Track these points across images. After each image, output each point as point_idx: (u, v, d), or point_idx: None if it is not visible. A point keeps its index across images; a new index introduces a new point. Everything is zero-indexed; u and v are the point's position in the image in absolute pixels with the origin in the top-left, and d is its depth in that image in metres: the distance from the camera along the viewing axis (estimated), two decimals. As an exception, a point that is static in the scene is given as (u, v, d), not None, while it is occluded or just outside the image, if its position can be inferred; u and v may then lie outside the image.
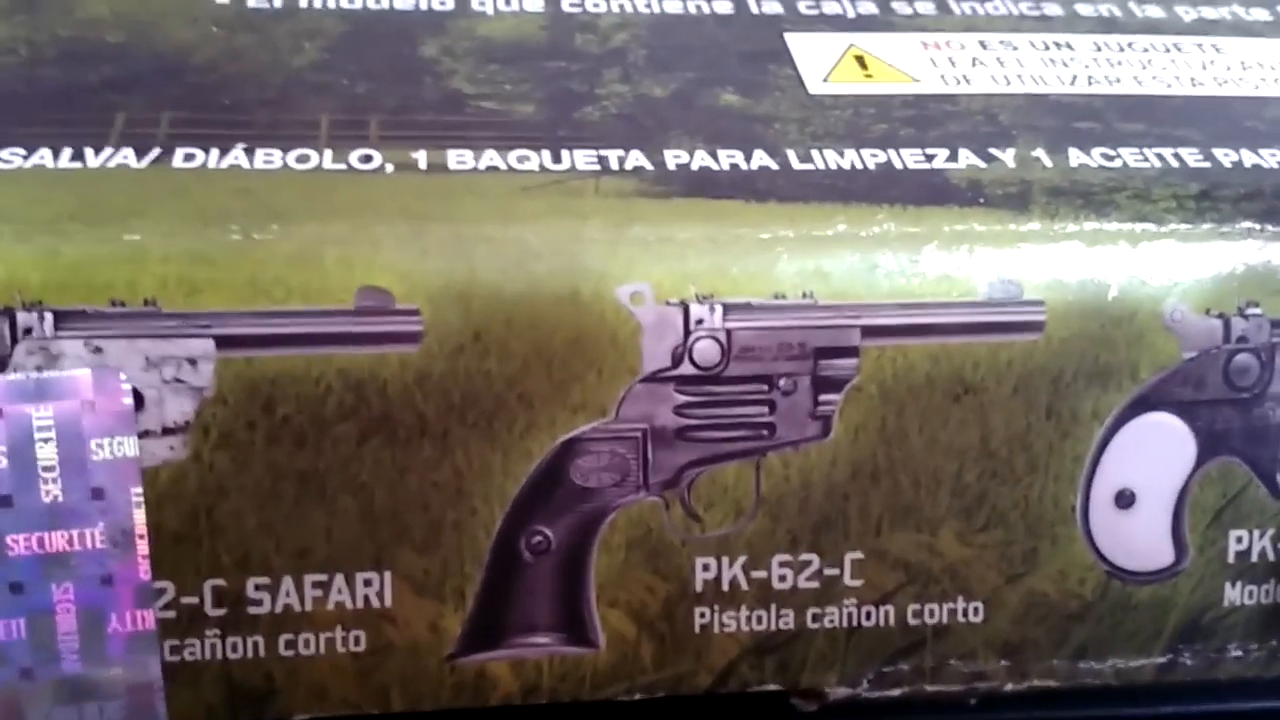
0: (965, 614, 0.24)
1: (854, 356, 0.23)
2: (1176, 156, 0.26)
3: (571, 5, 0.30)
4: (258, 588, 0.23)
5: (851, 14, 0.30)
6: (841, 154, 0.25)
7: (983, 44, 0.29)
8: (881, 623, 0.24)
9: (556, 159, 0.24)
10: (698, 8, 0.30)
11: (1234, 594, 0.25)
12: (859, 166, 0.25)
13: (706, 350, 0.23)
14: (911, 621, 0.24)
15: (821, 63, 0.28)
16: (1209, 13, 0.31)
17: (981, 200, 0.24)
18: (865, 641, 0.24)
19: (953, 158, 0.25)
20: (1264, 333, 0.24)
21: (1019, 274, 0.24)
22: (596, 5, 0.30)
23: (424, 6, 0.29)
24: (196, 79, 0.26)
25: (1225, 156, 0.26)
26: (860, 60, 0.28)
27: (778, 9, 0.30)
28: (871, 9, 0.30)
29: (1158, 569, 0.25)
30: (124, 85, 0.26)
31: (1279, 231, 0.24)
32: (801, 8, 0.30)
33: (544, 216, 0.23)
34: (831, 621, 0.24)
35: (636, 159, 0.24)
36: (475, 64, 0.27)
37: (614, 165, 0.24)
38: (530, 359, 0.23)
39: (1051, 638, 0.25)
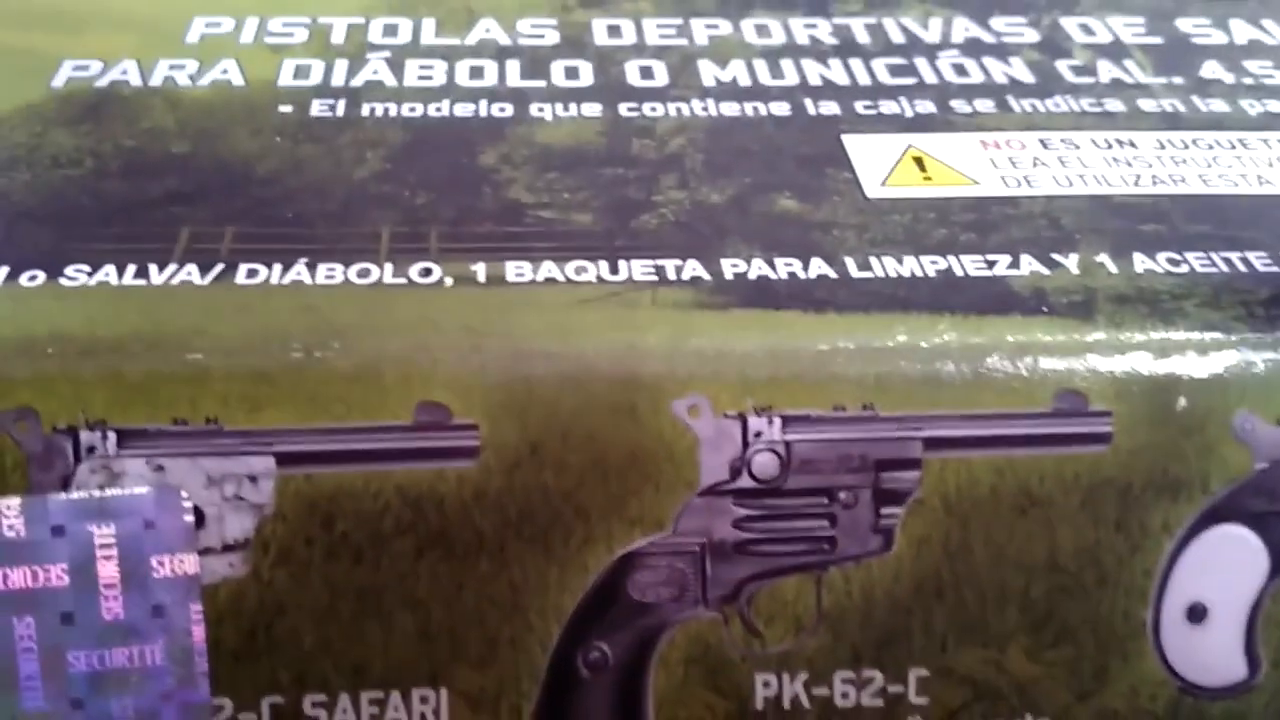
0: (1034, 732, 0.24)
1: (916, 469, 0.23)
2: (1244, 260, 0.25)
3: (629, 110, 0.30)
4: (315, 705, 0.22)
5: (910, 113, 0.30)
6: (901, 261, 0.25)
7: (1043, 143, 0.29)
8: (948, 741, 0.24)
9: (614, 270, 0.24)
10: (755, 110, 0.30)
11: (1313, 710, 0.24)
12: (919, 274, 0.24)
13: (765, 463, 0.23)
14: (980, 740, 0.24)
15: (880, 165, 0.28)
16: (1276, 106, 0.31)
17: (1045, 309, 0.24)
18: (931, 760, 0.24)
19: (1014, 264, 0.25)
20: (1339, 442, 0.24)
21: (1085, 384, 0.23)
22: (654, 109, 0.30)
23: (484, 114, 0.30)
24: (260, 191, 0.27)
25: (1295, 259, 0.25)
26: (919, 162, 0.28)
27: (835, 110, 0.30)
28: (930, 108, 0.30)
29: (1230, 684, 0.24)
30: (188, 198, 0.26)
31: (1353, 338, 0.24)
32: (859, 108, 0.30)
33: (600, 329, 0.23)
34: (896, 739, 0.24)
35: (693, 269, 0.24)
36: (534, 172, 0.27)
37: (671, 275, 0.24)
38: (587, 473, 0.22)
39: (1124, 757, 0.24)
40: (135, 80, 0.31)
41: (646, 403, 0.22)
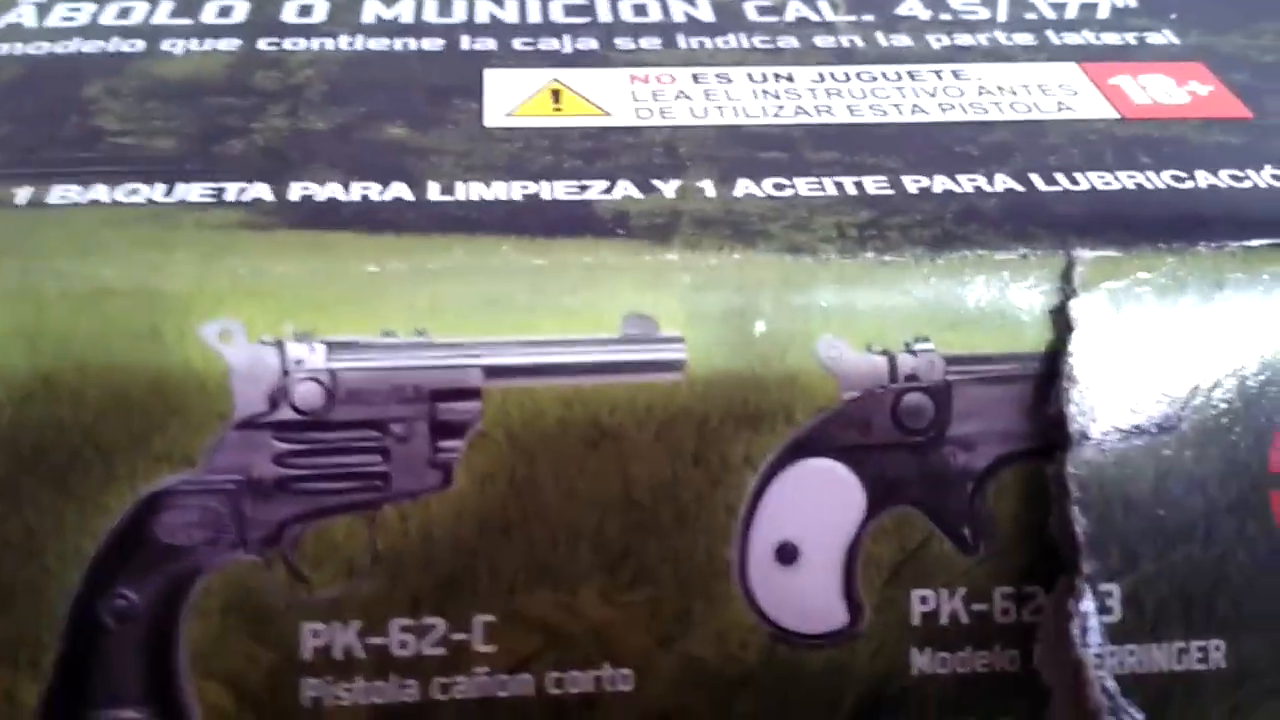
0: (613, 682, 0.22)
1: (475, 399, 0.21)
2: (858, 185, 0.24)
3: (268, 45, 0.28)
4: None
5: (568, 49, 0.29)
6: (488, 185, 0.23)
7: (695, 78, 0.27)
8: (519, 692, 0.22)
9: (169, 192, 0.23)
10: (405, 45, 0.29)
11: (922, 661, 0.23)
12: (503, 198, 0.23)
13: (308, 393, 0.21)
14: (553, 691, 0.22)
15: (513, 97, 0.27)
16: (964, 39, 0.30)
17: (621, 231, 0.22)
18: (501, 714, 0.22)
19: (609, 190, 0.23)
20: (937, 370, 0.22)
21: (656, 309, 0.22)
22: (295, 44, 0.28)
23: (112, 50, 0.28)
24: None
25: (914, 183, 0.24)
26: (556, 94, 0.27)
27: (490, 45, 0.29)
28: (590, 44, 0.29)
29: (829, 631, 0.22)
30: None
31: (956, 259, 0.22)
32: (516, 44, 0.29)
33: (126, 250, 0.21)
34: (462, 692, 0.22)
35: (258, 191, 0.23)
36: (133, 103, 0.26)
37: (229, 197, 0.23)
38: (107, 405, 0.21)
39: (713, 708, 0.22)
40: None
41: (172, 328, 0.21)
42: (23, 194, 0.22)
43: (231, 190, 0.23)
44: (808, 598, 0.22)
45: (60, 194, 0.22)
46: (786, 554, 0.22)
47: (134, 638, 0.21)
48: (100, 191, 0.22)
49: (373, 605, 0.22)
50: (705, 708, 0.22)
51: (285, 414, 0.21)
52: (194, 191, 0.22)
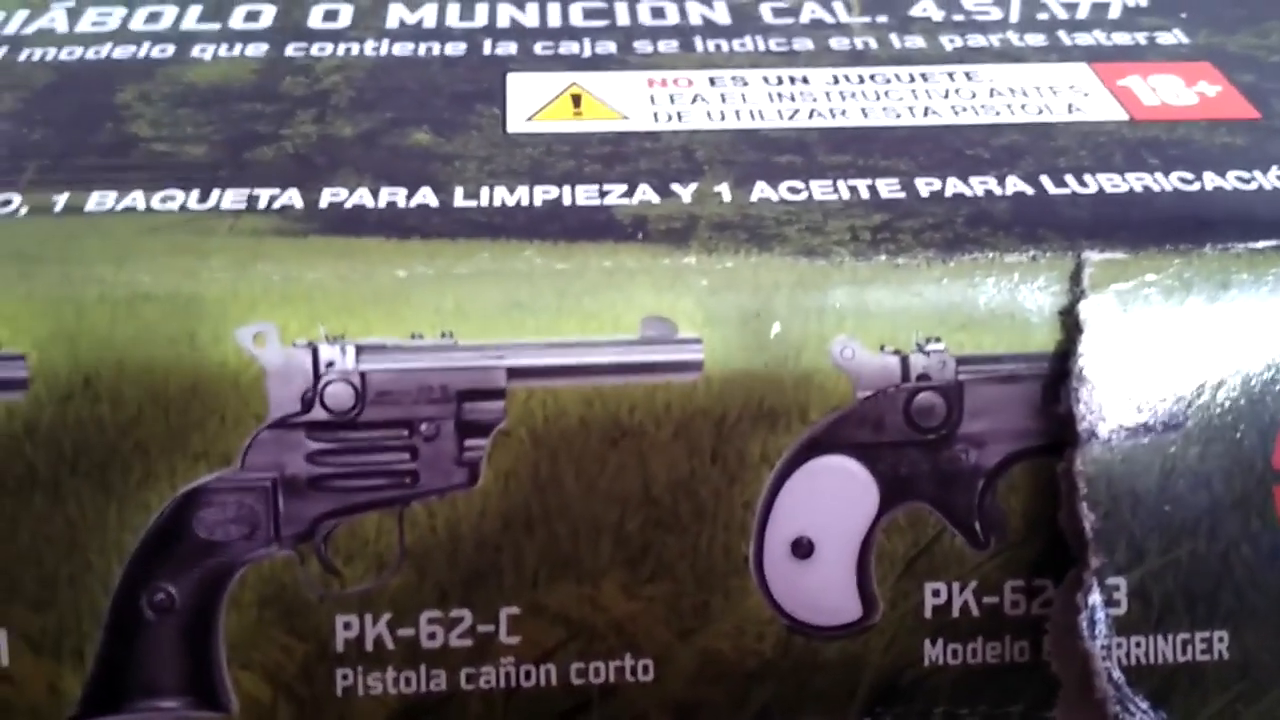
0: (634, 672, 0.23)
1: (500, 399, 0.22)
2: (871, 188, 0.24)
3: (295, 50, 0.29)
4: None
5: (587, 54, 0.29)
6: (512, 191, 0.24)
7: (712, 80, 0.28)
8: (543, 683, 0.23)
9: (204, 199, 0.23)
10: (428, 50, 0.29)
11: (934, 652, 0.23)
12: (524, 204, 0.24)
13: (339, 394, 0.22)
14: (575, 681, 0.23)
15: (533, 101, 0.27)
16: (976, 40, 0.30)
17: (640, 235, 0.23)
18: (525, 703, 0.23)
19: (628, 194, 0.24)
20: (948, 370, 0.23)
21: (675, 311, 0.22)
22: (321, 50, 0.29)
23: (142, 55, 0.29)
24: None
25: (926, 186, 0.24)
26: (576, 99, 0.27)
27: (511, 50, 0.29)
28: (609, 48, 0.29)
29: (844, 624, 0.23)
30: None
31: (967, 261, 0.23)
32: (537, 48, 0.29)
33: (161, 255, 0.22)
34: (488, 682, 0.23)
35: (289, 198, 0.23)
36: (165, 109, 0.26)
37: (261, 205, 0.23)
38: (145, 405, 0.21)
39: (731, 698, 0.23)
40: None
41: (209, 332, 0.22)
42: (60, 201, 0.23)
43: (264, 197, 0.23)
44: (823, 591, 0.23)
45: (97, 201, 0.23)
46: (802, 549, 0.23)
47: (173, 630, 0.22)
48: (136, 198, 0.23)
49: (402, 598, 0.22)
50: (723, 698, 0.23)
51: (318, 414, 0.22)
52: (227, 198, 0.23)
